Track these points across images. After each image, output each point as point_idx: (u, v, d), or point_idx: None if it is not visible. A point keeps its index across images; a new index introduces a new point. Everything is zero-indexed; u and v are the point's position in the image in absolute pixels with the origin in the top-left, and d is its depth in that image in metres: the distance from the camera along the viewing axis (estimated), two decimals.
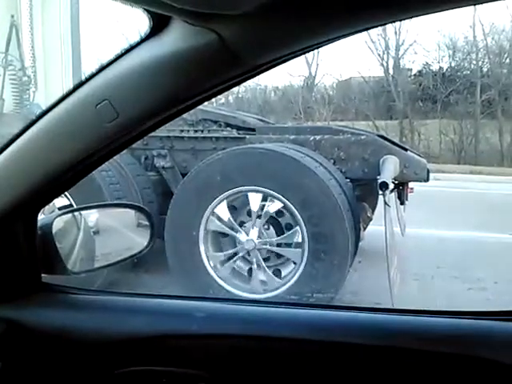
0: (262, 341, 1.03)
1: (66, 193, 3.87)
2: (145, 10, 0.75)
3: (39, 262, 1.09)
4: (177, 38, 0.78)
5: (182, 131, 4.56)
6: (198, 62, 0.79)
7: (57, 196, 1.06)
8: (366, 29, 0.77)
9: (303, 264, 3.59)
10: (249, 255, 3.74)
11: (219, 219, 3.75)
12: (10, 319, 1.03)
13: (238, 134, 4.49)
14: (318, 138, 4.27)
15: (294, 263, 3.69)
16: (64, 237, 1.27)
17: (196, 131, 4.55)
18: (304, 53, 0.82)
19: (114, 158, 3.70)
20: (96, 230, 1.40)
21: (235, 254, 3.78)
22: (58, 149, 0.93)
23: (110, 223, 1.43)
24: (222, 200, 3.71)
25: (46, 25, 5.44)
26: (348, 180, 4.12)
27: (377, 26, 0.78)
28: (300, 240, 3.60)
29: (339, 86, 19.94)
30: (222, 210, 3.74)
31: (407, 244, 4.77)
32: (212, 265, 3.75)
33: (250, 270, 3.77)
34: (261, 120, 5.29)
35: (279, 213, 3.74)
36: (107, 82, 0.85)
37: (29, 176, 0.96)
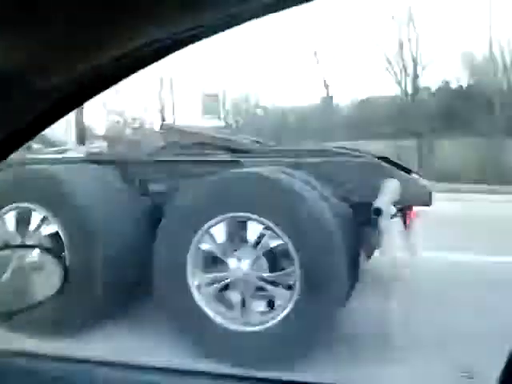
0: None
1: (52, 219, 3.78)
2: None
3: None
4: None
5: (176, 155, 4.46)
6: None
7: None
8: None
9: (296, 293, 3.38)
10: (239, 285, 3.56)
11: (206, 248, 3.59)
12: None
13: (232, 157, 4.35)
14: (316, 160, 4.10)
15: (289, 288, 3.48)
16: None
17: (190, 155, 4.43)
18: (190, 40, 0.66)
19: (105, 182, 3.60)
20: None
21: (224, 284, 3.60)
22: None
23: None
24: (209, 227, 3.55)
25: None
26: (347, 205, 3.93)
27: None
28: (291, 282, 3.41)
29: (357, 106, 19.79)
30: (209, 238, 3.58)
31: (416, 270, 4.52)
32: (200, 295, 3.56)
33: (243, 300, 3.58)
34: (257, 142, 5.15)
35: (269, 240, 3.55)
36: None
37: None
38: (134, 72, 0.70)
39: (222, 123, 19.42)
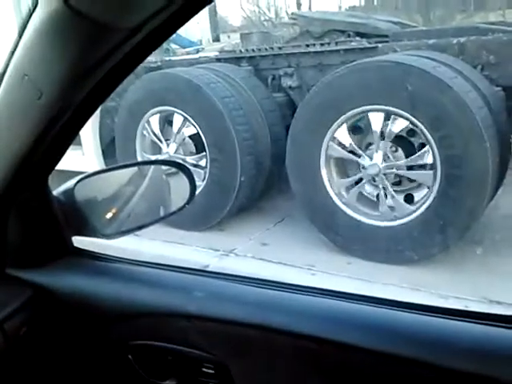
0: (265, 331, 0.87)
1: (192, 120, 3.93)
2: None
3: (66, 228, 1.07)
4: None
5: (307, 46, 4.27)
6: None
7: (55, 161, 0.98)
8: None
9: (435, 189, 3.21)
10: (375, 180, 3.46)
11: (340, 143, 3.49)
12: (37, 284, 1.03)
13: (369, 43, 4.05)
14: (462, 40, 3.66)
15: (428, 188, 3.33)
16: (101, 198, 1.22)
17: (322, 44, 4.20)
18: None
19: (238, 81, 3.70)
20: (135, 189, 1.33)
21: (360, 179, 3.52)
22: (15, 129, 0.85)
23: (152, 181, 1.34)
24: (344, 122, 3.42)
25: None
26: (499, 89, 3.53)
27: None
28: (431, 162, 3.20)
29: None
30: (343, 133, 3.46)
31: None
32: (335, 191, 3.54)
33: (378, 195, 3.50)
34: (397, 23, 4.70)
35: (407, 133, 3.35)
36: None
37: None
38: None
39: None
